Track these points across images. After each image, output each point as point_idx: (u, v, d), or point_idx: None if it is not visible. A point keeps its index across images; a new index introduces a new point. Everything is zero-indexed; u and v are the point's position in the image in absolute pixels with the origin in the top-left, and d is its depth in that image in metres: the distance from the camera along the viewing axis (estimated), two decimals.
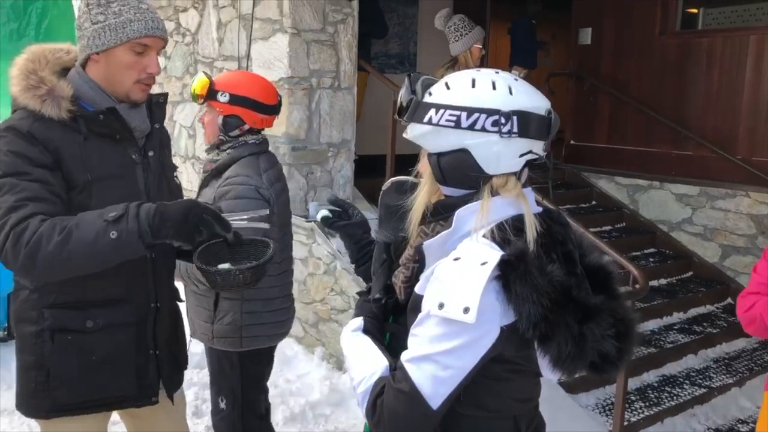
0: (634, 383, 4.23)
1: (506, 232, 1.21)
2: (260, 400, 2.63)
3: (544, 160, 1.28)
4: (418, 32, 7.72)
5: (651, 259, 5.77)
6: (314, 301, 4.55)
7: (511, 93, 1.22)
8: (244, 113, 2.45)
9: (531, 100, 1.24)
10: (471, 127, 1.21)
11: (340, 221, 1.65)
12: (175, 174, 2.07)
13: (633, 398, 4.05)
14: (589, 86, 6.70)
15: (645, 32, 6.29)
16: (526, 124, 1.21)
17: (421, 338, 1.20)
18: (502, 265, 1.15)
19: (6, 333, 4.41)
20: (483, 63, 8.38)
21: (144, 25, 1.74)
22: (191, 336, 2.49)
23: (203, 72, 2.52)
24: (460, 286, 1.15)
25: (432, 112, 1.24)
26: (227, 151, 2.45)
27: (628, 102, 6.36)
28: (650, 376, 4.37)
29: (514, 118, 1.20)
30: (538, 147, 1.25)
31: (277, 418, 3.68)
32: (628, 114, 6.42)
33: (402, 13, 7.71)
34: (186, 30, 5.63)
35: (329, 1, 4.67)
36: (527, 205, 1.25)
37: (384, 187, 1.56)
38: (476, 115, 1.21)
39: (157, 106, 1.93)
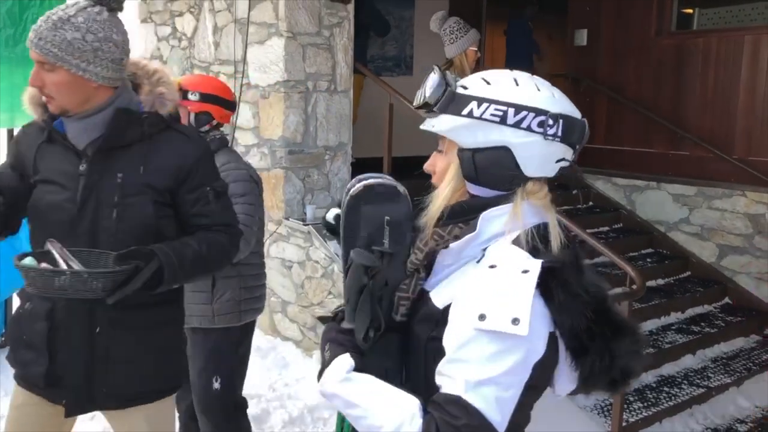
0: (632, 384, 4.22)
1: (536, 240, 1.17)
2: (245, 374, 2.90)
3: (576, 167, 1.26)
4: (415, 35, 7.72)
5: (648, 260, 5.78)
6: (312, 305, 4.55)
7: (554, 96, 1.20)
8: (213, 109, 2.70)
9: (571, 105, 1.22)
10: (517, 125, 1.17)
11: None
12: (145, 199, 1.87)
13: (631, 399, 4.05)
14: (585, 87, 6.71)
15: (641, 33, 6.30)
16: (570, 128, 1.19)
17: (473, 362, 1.09)
18: (543, 273, 1.10)
19: (3, 339, 4.41)
20: (479, 65, 8.41)
21: (28, 35, 1.78)
22: None
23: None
24: (503, 296, 1.08)
25: (473, 104, 1.18)
26: None
27: (624, 103, 6.37)
28: (648, 377, 4.37)
29: (561, 121, 1.18)
30: (569, 154, 1.22)
31: (275, 421, 3.69)
32: (624, 115, 6.43)
33: (398, 15, 7.71)
34: (182, 34, 5.64)
35: (325, 5, 4.68)
36: (553, 214, 1.22)
37: (353, 192, 1.29)
38: (524, 113, 1.17)
39: (117, 121, 1.83)
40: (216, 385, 2.69)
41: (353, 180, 1.30)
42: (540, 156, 1.19)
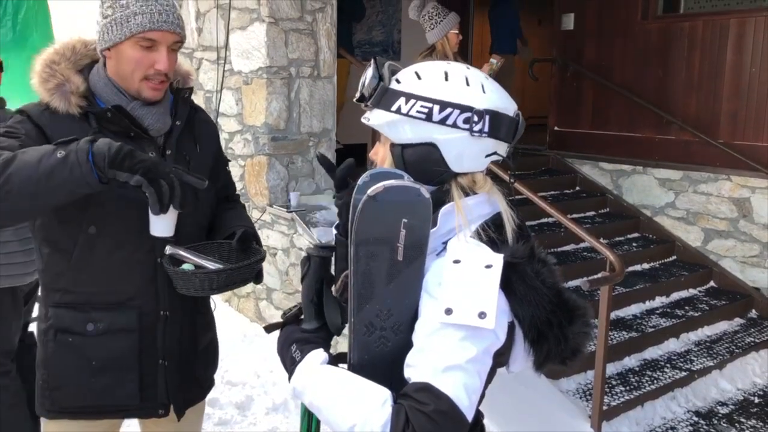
0: (615, 368, 4.26)
1: (491, 232, 1.20)
2: None
3: (508, 162, 1.26)
4: (402, 19, 7.68)
5: (634, 244, 5.79)
6: (296, 291, 4.55)
7: (484, 91, 1.20)
8: None
9: (502, 100, 1.22)
10: (442, 122, 1.18)
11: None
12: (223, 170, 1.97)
13: (614, 383, 4.08)
14: (572, 72, 6.69)
15: (627, 16, 6.27)
16: (497, 124, 1.19)
17: (440, 351, 1.09)
18: (505, 267, 1.13)
19: None
20: (466, 49, 8.36)
21: (149, 18, 1.62)
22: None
23: None
24: (469, 291, 1.09)
25: (402, 100, 1.19)
26: None
27: (610, 87, 6.35)
28: (631, 361, 4.39)
29: (487, 117, 1.18)
30: (502, 149, 1.23)
31: (258, 408, 3.69)
32: (611, 99, 6.41)
33: (386, 0, 7.67)
34: None
35: None
36: (502, 200, 1.24)
37: (371, 192, 1.15)
38: (449, 110, 1.17)
39: (182, 102, 1.81)
40: None
41: (368, 178, 1.19)
42: (467, 152, 1.20)
